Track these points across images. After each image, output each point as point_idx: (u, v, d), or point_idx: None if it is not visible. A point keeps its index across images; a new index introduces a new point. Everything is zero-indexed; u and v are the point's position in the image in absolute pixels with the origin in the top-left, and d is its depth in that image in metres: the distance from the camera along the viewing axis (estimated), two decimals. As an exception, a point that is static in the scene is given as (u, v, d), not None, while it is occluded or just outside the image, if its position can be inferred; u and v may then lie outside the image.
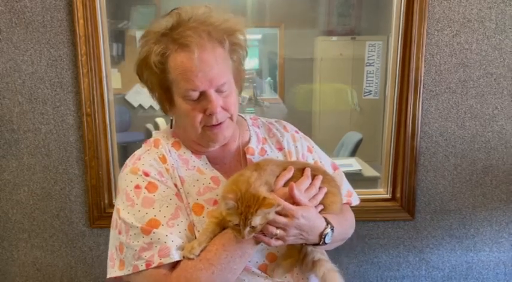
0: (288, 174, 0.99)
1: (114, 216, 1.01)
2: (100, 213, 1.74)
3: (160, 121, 2.29)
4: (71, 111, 1.66)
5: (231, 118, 1.02)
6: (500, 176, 1.79)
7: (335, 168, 1.22)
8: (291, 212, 0.89)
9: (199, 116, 0.98)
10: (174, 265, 0.93)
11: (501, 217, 1.83)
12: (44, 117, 1.66)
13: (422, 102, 1.72)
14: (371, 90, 2.04)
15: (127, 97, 2.05)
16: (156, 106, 2.15)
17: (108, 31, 1.67)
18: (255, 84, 2.63)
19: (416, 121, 1.73)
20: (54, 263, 1.80)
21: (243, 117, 1.20)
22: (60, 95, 1.65)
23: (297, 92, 2.52)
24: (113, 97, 1.75)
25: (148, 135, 2.38)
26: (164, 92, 1.00)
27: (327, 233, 0.96)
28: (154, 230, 0.94)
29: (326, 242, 0.97)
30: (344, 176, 1.22)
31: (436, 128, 1.75)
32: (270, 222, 0.89)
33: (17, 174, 1.70)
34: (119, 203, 1.01)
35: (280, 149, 1.15)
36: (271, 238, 0.91)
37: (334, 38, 2.41)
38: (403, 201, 1.78)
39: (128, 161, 1.08)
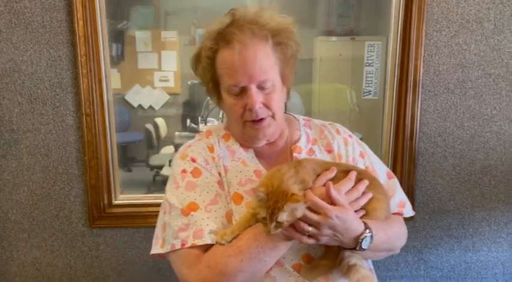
0: (330, 174, 0.98)
1: (164, 197, 1.08)
2: (99, 213, 1.74)
3: (160, 121, 2.30)
4: (70, 111, 1.66)
5: (273, 116, 1.04)
6: (498, 176, 1.80)
7: (390, 176, 1.18)
8: (324, 210, 0.88)
9: (241, 111, 1.02)
10: (208, 248, 0.96)
11: (499, 217, 1.83)
12: (44, 118, 1.66)
13: (421, 103, 1.73)
14: (370, 91, 2.05)
15: (127, 97, 2.05)
16: (156, 106, 2.16)
17: (107, 31, 1.68)
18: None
19: (415, 121, 1.73)
20: (53, 263, 1.80)
21: (295, 118, 1.22)
22: (59, 96, 1.65)
23: (296, 92, 2.53)
24: (113, 97, 1.75)
25: (148, 135, 2.38)
26: (214, 85, 1.07)
27: (364, 238, 0.93)
28: (193, 212, 0.99)
29: (363, 247, 0.94)
30: (398, 186, 1.18)
31: (435, 129, 1.76)
32: (303, 219, 0.88)
33: (17, 174, 1.70)
34: (168, 184, 1.08)
35: (330, 151, 1.14)
36: (303, 235, 0.90)
37: (334, 38, 2.41)
38: (401, 201, 1.79)
39: (181, 147, 1.15)
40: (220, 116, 2.25)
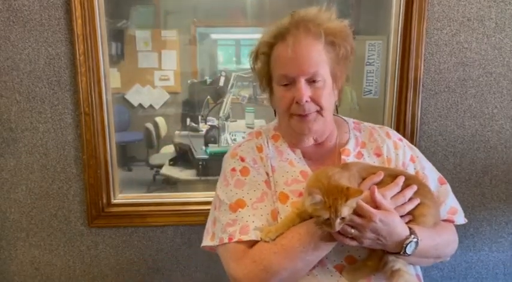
0: (377, 178, 0.99)
1: (215, 194, 1.14)
2: (98, 213, 1.73)
3: (160, 120, 2.29)
4: (69, 110, 1.66)
5: (320, 112, 1.05)
6: (499, 175, 1.78)
7: (442, 182, 1.17)
8: (368, 213, 0.89)
9: (289, 103, 1.05)
10: (254, 244, 1.00)
11: (500, 217, 1.82)
12: (42, 116, 1.66)
13: (421, 102, 1.72)
14: (371, 90, 2.03)
15: (127, 96, 2.04)
16: (156, 105, 2.15)
17: (107, 30, 1.67)
18: (255, 84, 2.63)
19: (416, 120, 1.72)
20: (52, 262, 1.79)
21: (345, 120, 1.24)
22: (58, 94, 1.64)
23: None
24: (112, 96, 1.75)
25: (148, 134, 2.37)
26: (268, 80, 1.12)
27: (409, 243, 0.93)
28: (240, 209, 1.04)
29: (407, 252, 0.94)
30: (451, 192, 1.17)
31: (436, 128, 1.75)
32: (346, 221, 0.89)
33: (15, 173, 1.70)
34: (218, 181, 1.14)
35: (379, 155, 1.14)
36: (346, 237, 0.91)
37: (334, 38, 2.40)
38: (402, 201, 1.78)
39: (231, 146, 1.20)
40: (221, 115, 2.24)
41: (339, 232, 0.91)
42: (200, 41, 2.16)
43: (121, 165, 1.86)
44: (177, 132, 2.24)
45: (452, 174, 1.78)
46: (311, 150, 1.14)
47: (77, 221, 1.75)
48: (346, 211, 0.86)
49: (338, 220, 0.86)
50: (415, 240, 0.94)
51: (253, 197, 1.05)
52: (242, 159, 1.11)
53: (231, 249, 1.01)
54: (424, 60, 1.69)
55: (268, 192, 1.07)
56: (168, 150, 2.23)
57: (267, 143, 1.15)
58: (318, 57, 1.02)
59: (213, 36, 2.24)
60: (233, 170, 1.11)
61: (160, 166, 2.16)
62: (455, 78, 1.71)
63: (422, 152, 1.74)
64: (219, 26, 2.22)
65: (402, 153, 1.15)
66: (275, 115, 1.20)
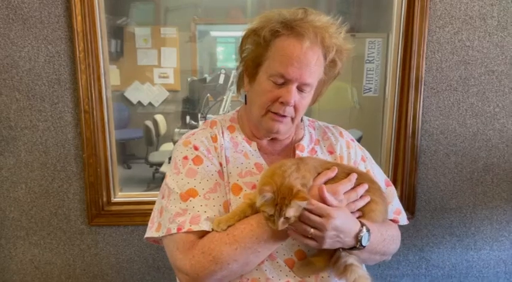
0: (331, 173, 0.99)
1: (163, 182, 1.09)
2: (98, 211, 1.73)
3: (159, 118, 2.28)
4: (68, 108, 1.65)
5: (292, 119, 1.06)
6: (501, 174, 1.78)
7: (388, 184, 1.20)
8: (327, 212, 0.89)
9: (272, 100, 1.03)
10: (202, 236, 0.97)
11: (502, 215, 1.82)
12: (42, 114, 1.64)
13: (423, 100, 1.71)
14: (371, 88, 2.03)
15: (126, 94, 2.03)
16: (155, 103, 2.14)
17: (106, 27, 1.66)
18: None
19: (417, 119, 1.72)
20: (52, 261, 1.79)
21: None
22: (58, 92, 1.63)
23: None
24: (112, 94, 1.73)
25: (148, 132, 2.36)
26: (253, 65, 1.06)
27: (363, 235, 0.95)
28: (191, 198, 1.00)
29: (363, 244, 0.95)
30: (396, 194, 1.20)
31: (437, 126, 1.74)
32: (305, 221, 0.89)
33: (15, 171, 1.69)
34: (168, 170, 1.10)
35: (331, 152, 1.16)
36: (305, 237, 0.91)
37: (334, 35, 2.39)
38: (403, 200, 1.78)
39: (184, 135, 1.16)
40: (221, 112, 2.23)
41: (297, 232, 0.91)
42: (200, 38, 2.15)
43: (120, 163, 1.85)
44: (176, 130, 2.23)
45: (454, 173, 1.78)
46: (267, 144, 1.14)
47: (77, 220, 1.75)
48: (291, 212, 0.86)
49: (282, 219, 0.87)
50: (367, 231, 0.96)
51: (205, 187, 1.02)
52: (195, 148, 1.08)
53: (179, 239, 0.97)
54: (426, 58, 1.68)
55: (221, 183, 1.05)
56: (168, 147, 2.22)
57: (222, 133, 1.13)
58: (318, 70, 1.02)
59: (213, 33, 2.23)
60: (185, 158, 1.07)
61: (159, 164, 2.16)
62: (457, 77, 1.70)
63: (424, 150, 1.75)
64: (219, 24, 2.21)
65: (354, 153, 1.17)
66: (245, 102, 1.16)
